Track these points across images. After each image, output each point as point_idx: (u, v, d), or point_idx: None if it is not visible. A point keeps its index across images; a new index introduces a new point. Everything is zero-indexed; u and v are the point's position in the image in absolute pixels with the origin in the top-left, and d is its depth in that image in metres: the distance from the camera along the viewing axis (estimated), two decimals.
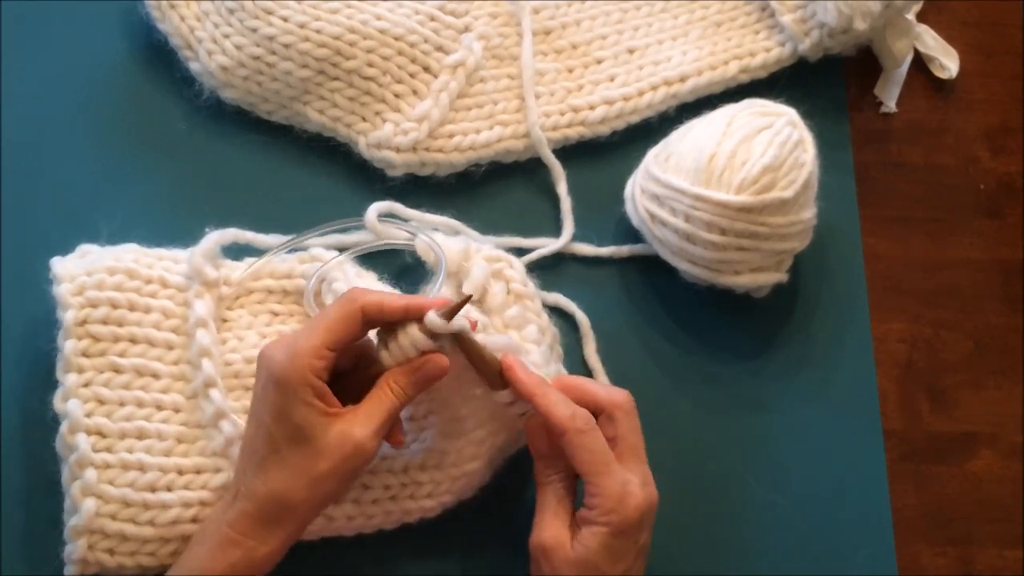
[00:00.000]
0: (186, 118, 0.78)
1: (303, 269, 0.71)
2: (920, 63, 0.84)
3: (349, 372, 0.63)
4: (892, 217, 0.80)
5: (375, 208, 0.72)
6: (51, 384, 0.67)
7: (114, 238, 0.73)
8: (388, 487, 0.67)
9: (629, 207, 0.74)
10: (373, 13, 0.76)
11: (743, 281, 0.72)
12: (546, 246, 0.76)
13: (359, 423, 0.60)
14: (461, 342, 0.62)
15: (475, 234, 0.74)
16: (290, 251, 0.73)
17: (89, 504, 0.63)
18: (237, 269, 0.71)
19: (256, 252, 0.72)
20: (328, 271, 0.70)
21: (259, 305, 0.72)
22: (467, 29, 0.78)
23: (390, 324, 0.62)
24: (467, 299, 0.62)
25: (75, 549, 0.63)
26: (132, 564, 0.64)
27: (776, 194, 0.69)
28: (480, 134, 0.77)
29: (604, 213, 0.77)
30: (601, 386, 0.66)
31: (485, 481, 0.68)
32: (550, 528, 0.62)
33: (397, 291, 0.70)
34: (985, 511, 0.74)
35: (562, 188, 0.77)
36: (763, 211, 0.69)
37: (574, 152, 0.79)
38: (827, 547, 0.72)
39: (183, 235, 0.73)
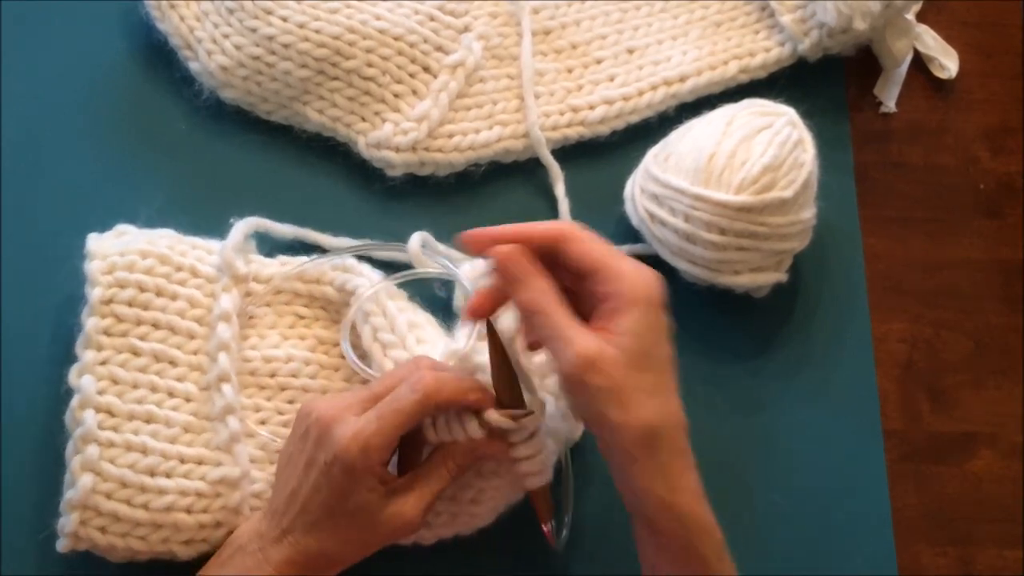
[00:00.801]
0: (186, 118, 0.78)
1: (333, 277, 0.71)
2: (920, 63, 0.84)
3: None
4: (892, 217, 0.80)
5: (418, 237, 0.71)
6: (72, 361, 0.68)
7: None
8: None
9: (629, 207, 0.74)
10: (372, 13, 0.76)
11: (743, 281, 0.72)
12: None
13: (412, 503, 0.61)
14: (497, 368, 0.62)
15: None
16: (318, 250, 0.73)
17: (86, 479, 0.63)
18: (268, 266, 0.72)
19: (278, 243, 0.73)
20: (361, 293, 0.70)
21: (285, 306, 0.72)
22: (467, 29, 0.78)
23: None
24: (529, 413, 0.62)
25: (68, 523, 0.63)
26: (123, 546, 0.64)
27: (776, 194, 0.69)
28: (479, 134, 0.77)
29: (604, 213, 0.77)
30: (539, 223, 0.60)
31: (487, 524, 0.68)
32: (581, 339, 0.55)
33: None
34: (985, 511, 0.74)
35: (560, 189, 0.77)
36: (763, 211, 0.69)
37: (574, 152, 0.79)
38: (827, 547, 0.72)
39: (182, 235, 0.72)
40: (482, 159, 0.77)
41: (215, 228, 0.73)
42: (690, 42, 0.81)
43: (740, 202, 0.68)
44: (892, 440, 0.75)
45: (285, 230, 0.73)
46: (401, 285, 0.71)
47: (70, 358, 0.68)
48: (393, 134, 0.76)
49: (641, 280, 0.57)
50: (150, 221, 0.73)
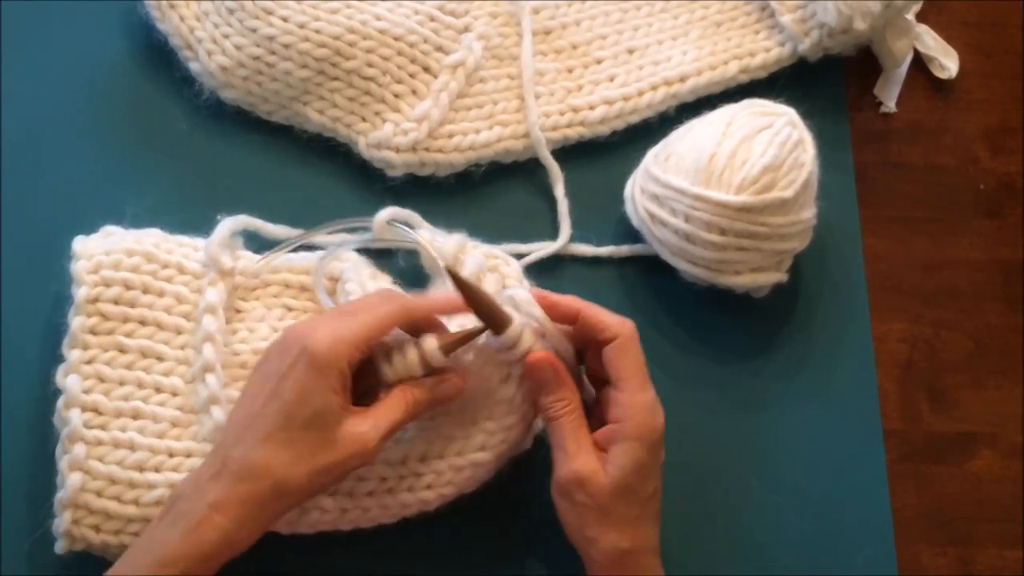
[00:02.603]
0: (186, 118, 0.78)
1: (321, 267, 0.71)
2: (920, 63, 0.84)
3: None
4: (892, 217, 0.80)
5: (387, 212, 0.71)
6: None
7: None
8: (385, 479, 0.66)
9: (629, 207, 0.74)
10: (373, 13, 0.76)
11: (743, 281, 0.72)
12: (543, 249, 0.75)
13: (369, 424, 0.59)
14: (467, 292, 0.62)
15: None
16: (306, 247, 0.73)
17: (75, 478, 0.64)
18: (256, 261, 0.72)
19: (268, 241, 0.72)
20: (342, 270, 0.70)
21: (274, 299, 0.72)
22: (467, 29, 0.78)
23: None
24: (481, 330, 0.63)
25: (61, 523, 0.63)
26: (116, 543, 0.64)
27: (776, 194, 0.69)
28: (480, 134, 0.77)
29: (604, 213, 0.77)
30: (608, 313, 0.64)
31: (489, 477, 0.68)
32: (579, 458, 0.61)
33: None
34: (985, 511, 0.74)
35: (559, 190, 0.77)
36: (763, 211, 0.69)
37: (574, 152, 0.79)
38: (827, 547, 0.72)
39: (183, 235, 0.72)
40: (482, 159, 0.77)
41: (214, 228, 0.72)
42: (690, 42, 0.81)
43: (740, 202, 0.68)
44: (892, 440, 0.75)
45: (273, 229, 0.72)
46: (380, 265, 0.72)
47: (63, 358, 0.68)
48: (393, 134, 0.76)
49: (646, 417, 0.62)
50: (139, 220, 0.73)
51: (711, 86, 0.80)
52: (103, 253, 0.69)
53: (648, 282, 0.76)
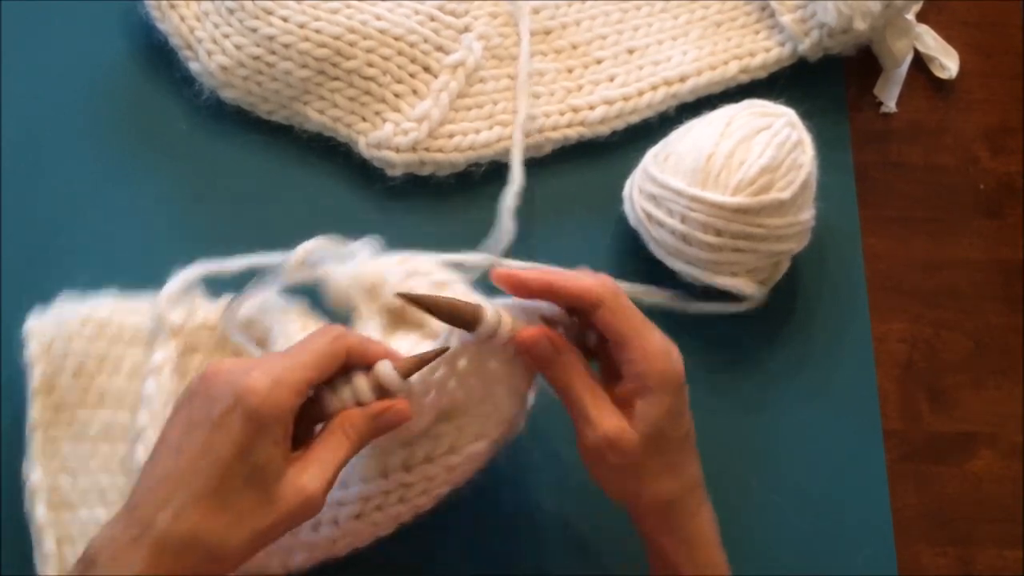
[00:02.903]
0: (186, 118, 0.78)
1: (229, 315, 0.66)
2: (920, 63, 0.84)
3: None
4: (892, 217, 0.80)
5: (301, 251, 0.64)
6: None
7: (113, 239, 0.73)
8: (369, 498, 0.61)
9: (627, 206, 0.74)
10: (373, 13, 0.76)
11: (739, 283, 0.72)
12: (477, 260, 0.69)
13: (311, 473, 0.53)
14: (422, 303, 0.57)
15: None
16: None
17: (49, 568, 0.63)
18: (214, 310, 0.68)
19: (231, 281, 0.69)
20: (270, 316, 0.66)
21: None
22: (467, 29, 0.78)
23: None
24: (442, 351, 0.58)
25: None
26: None
27: (773, 195, 0.69)
28: (480, 134, 0.77)
29: (604, 213, 0.77)
30: (581, 276, 0.59)
31: (484, 464, 0.63)
32: (604, 420, 0.58)
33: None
34: (985, 511, 0.74)
35: (510, 200, 0.71)
36: (760, 212, 0.69)
37: (574, 152, 0.79)
38: (827, 547, 0.72)
39: (183, 236, 0.73)
40: (482, 159, 0.77)
41: (214, 228, 0.73)
42: (690, 42, 0.81)
43: (737, 203, 0.68)
44: (892, 440, 0.75)
45: (234, 265, 0.67)
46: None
47: None
48: (393, 134, 0.76)
49: (664, 362, 0.58)
50: (150, 221, 0.73)
51: (711, 86, 0.80)
52: (54, 327, 0.66)
53: (648, 282, 0.76)
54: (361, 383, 0.56)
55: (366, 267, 0.62)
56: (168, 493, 0.50)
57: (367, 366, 0.56)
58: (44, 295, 0.72)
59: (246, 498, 0.51)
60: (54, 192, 0.76)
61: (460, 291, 0.61)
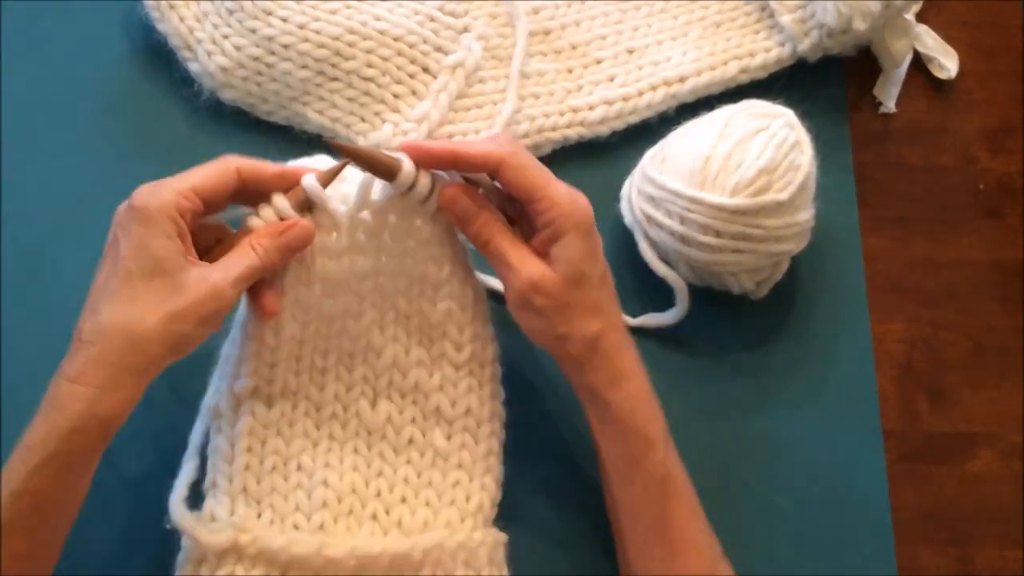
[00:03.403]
0: (186, 118, 0.78)
1: None
2: (920, 63, 0.84)
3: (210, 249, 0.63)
4: (892, 217, 0.80)
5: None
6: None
7: None
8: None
9: (624, 206, 0.74)
10: (372, 14, 0.76)
11: (737, 283, 0.72)
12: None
13: (220, 272, 0.59)
14: (347, 152, 0.62)
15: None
16: None
17: None
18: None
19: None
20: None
21: None
22: (466, 30, 0.78)
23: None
24: (345, 164, 0.63)
25: None
26: None
27: (772, 196, 0.69)
28: (480, 134, 0.77)
29: (603, 213, 0.77)
30: (481, 142, 0.63)
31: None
32: (525, 265, 0.62)
33: None
34: (985, 511, 0.74)
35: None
36: (758, 213, 0.69)
37: (574, 152, 0.79)
38: (827, 547, 0.72)
39: None
40: None
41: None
42: (690, 42, 0.81)
43: (735, 205, 0.68)
44: (891, 440, 0.75)
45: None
46: None
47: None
48: (393, 135, 0.76)
49: (571, 208, 0.61)
50: None
51: (711, 86, 0.80)
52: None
53: (648, 282, 0.76)
54: (279, 200, 0.62)
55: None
56: (91, 302, 0.58)
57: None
58: (44, 295, 0.73)
59: (152, 286, 0.57)
60: (54, 192, 0.76)
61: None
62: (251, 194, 0.63)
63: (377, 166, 0.62)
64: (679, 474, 0.64)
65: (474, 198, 0.63)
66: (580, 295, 0.62)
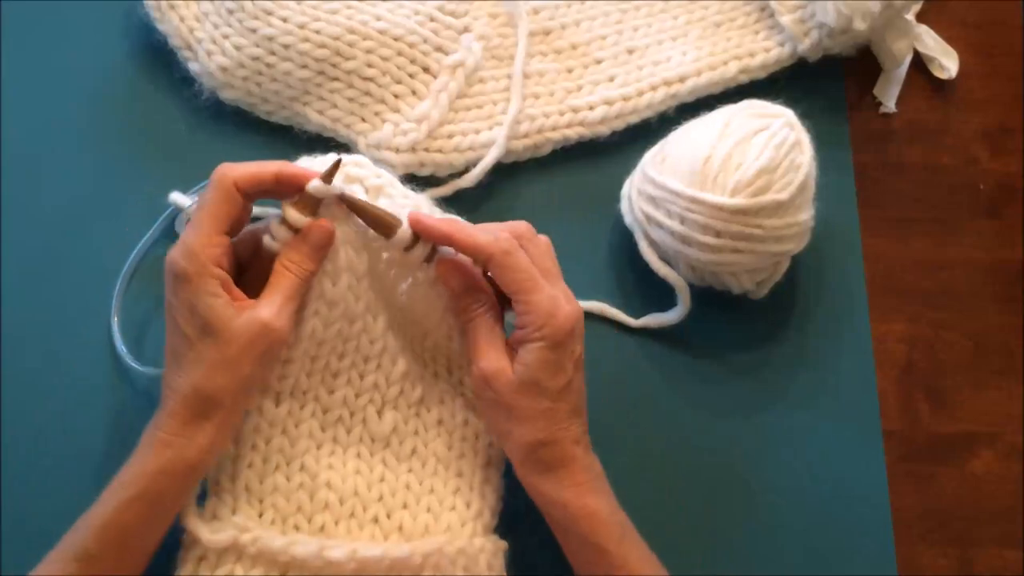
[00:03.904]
0: (186, 118, 0.78)
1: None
2: (920, 63, 0.84)
3: (250, 265, 0.64)
4: (892, 217, 0.80)
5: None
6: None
7: (113, 239, 0.74)
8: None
9: (624, 206, 0.74)
10: (372, 14, 0.76)
11: (737, 283, 0.72)
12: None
13: (264, 305, 0.61)
14: (348, 203, 0.62)
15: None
16: None
17: None
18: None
19: None
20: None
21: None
22: (467, 29, 0.78)
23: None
24: (338, 162, 0.62)
25: None
26: None
27: (772, 196, 0.69)
28: (479, 134, 0.77)
29: (603, 213, 0.77)
30: (479, 232, 0.64)
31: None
32: (487, 356, 0.63)
33: None
34: (985, 511, 0.74)
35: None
36: (758, 213, 0.69)
37: (574, 152, 0.79)
38: (827, 547, 0.72)
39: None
40: (482, 159, 0.77)
41: None
42: (690, 42, 0.81)
43: (735, 205, 0.68)
44: (892, 441, 0.75)
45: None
46: None
47: (67, 357, 0.69)
48: (393, 135, 0.76)
49: (546, 319, 0.62)
50: (150, 221, 0.73)
51: (711, 86, 0.80)
52: None
53: (647, 281, 0.76)
54: (291, 213, 0.62)
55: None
56: (167, 367, 0.61)
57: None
58: (44, 295, 0.73)
59: (208, 346, 0.60)
60: (54, 192, 0.76)
61: (398, 191, 0.66)
62: (256, 197, 0.63)
63: (376, 222, 0.63)
64: (641, 571, 0.63)
65: (471, 274, 0.65)
66: (529, 402, 0.62)
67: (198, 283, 0.60)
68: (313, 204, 0.62)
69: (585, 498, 0.63)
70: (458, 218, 0.66)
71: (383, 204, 0.65)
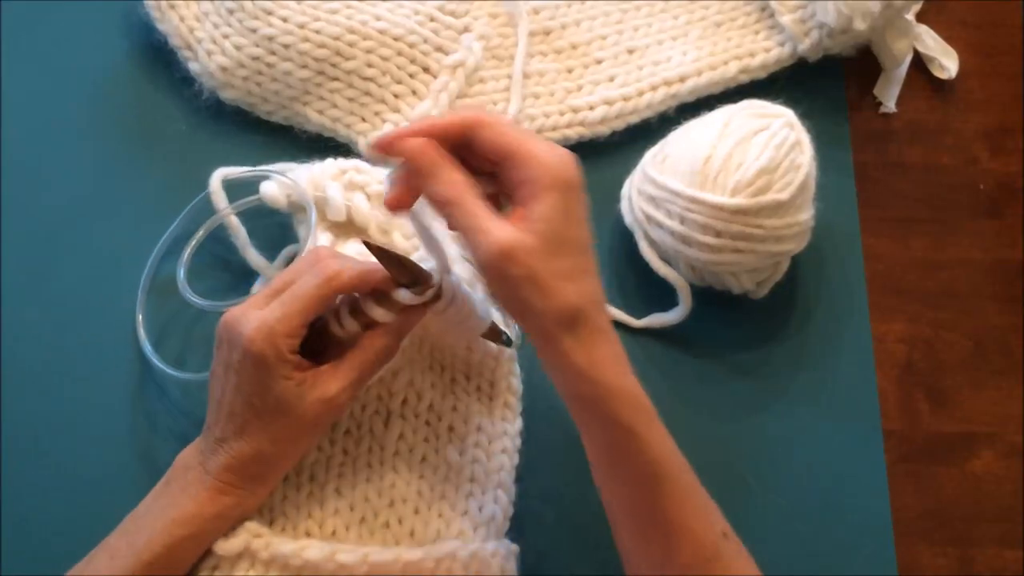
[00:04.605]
0: (186, 118, 0.78)
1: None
2: (920, 63, 0.84)
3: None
4: (892, 217, 0.80)
5: (218, 175, 0.71)
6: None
7: (113, 238, 0.74)
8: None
9: (624, 205, 0.74)
10: (373, 13, 0.76)
11: (737, 283, 0.72)
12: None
13: (334, 382, 0.60)
14: (384, 261, 0.60)
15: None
16: None
17: None
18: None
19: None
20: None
21: None
22: (467, 29, 0.78)
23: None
24: (429, 284, 0.60)
25: None
26: None
27: (772, 196, 0.69)
28: None
29: (603, 213, 0.77)
30: (453, 116, 0.58)
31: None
32: (499, 229, 0.55)
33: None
34: (985, 511, 0.74)
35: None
36: (759, 213, 0.69)
37: (574, 152, 0.78)
38: (827, 547, 0.72)
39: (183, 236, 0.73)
40: None
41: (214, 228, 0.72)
42: (690, 42, 0.81)
43: (735, 204, 0.68)
44: (892, 440, 0.75)
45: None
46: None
47: (66, 357, 0.69)
48: None
49: (554, 163, 0.56)
50: (151, 221, 0.73)
51: (711, 86, 0.80)
52: None
53: (647, 281, 0.76)
54: (377, 312, 0.61)
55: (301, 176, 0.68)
56: (226, 421, 0.61)
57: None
58: (44, 295, 0.73)
59: (278, 422, 0.60)
60: (54, 192, 0.76)
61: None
62: None
63: (412, 276, 0.60)
64: (667, 458, 0.59)
65: (443, 154, 0.57)
66: (557, 263, 0.55)
67: (275, 369, 0.59)
68: (400, 304, 0.61)
69: (620, 376, 0.57)
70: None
71: (383, 217, 0.66)
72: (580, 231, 0.57)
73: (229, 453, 0.61)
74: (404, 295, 0.60)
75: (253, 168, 0.72)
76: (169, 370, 0.70)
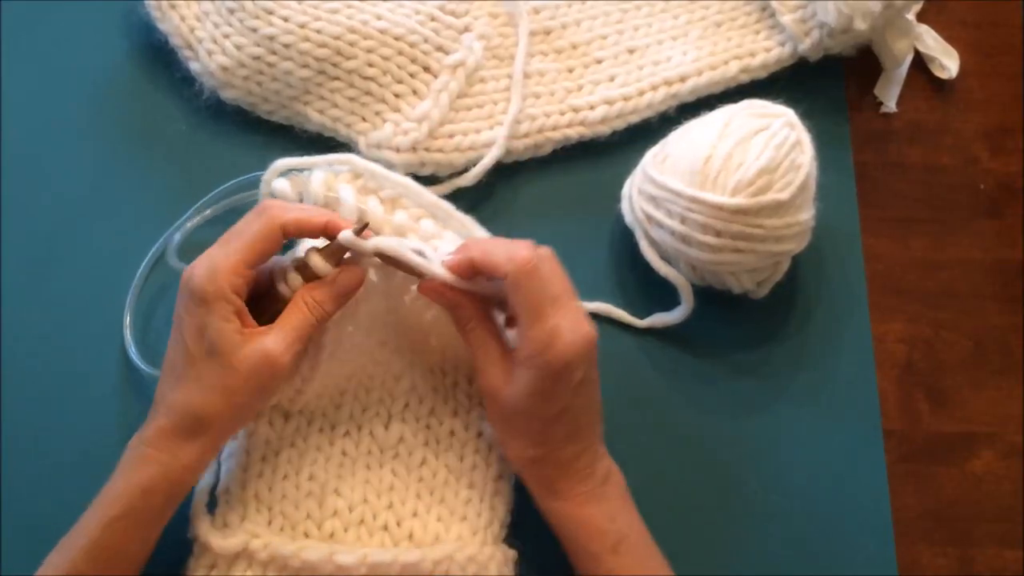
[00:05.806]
0: (186, 118, 0.78)
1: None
2: (920, 63, 0.84)
3: (264, 293, 0.64)
4: (892, 217, 0.80)
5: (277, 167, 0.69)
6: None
7: (113, 238, 0.74)
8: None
9: (625, 205, 0.74)
10: (373, 13, 0.76)
11: (737, 283, 0.72)
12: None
13: (271, 337, 0.60)
14: (384, 257, 0.62)
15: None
16: None
17: None
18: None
19: None
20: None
21: None
22: (467, 29, 0.78)
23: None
24: (366, 224, 0.62)
25: None
26: None
27: (772, 196, 0.69)
28: (480, 134, 0.77)
29: (603, 213, 0.77)
30: (499, 248, 0.62)
31: None
32: (486, 373, 0.63)
33: None
34: (985, 511, 0.74)
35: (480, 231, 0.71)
36: (759, 213, 0.69)
37: (574, 152, 0.79)
38: (827, 547, 0.72)
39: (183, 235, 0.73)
40: (482, 159, 0.77)
41: (214, 228, 0.72)
42: (690, 42, 0.81)
43: (735, 204, 0.68)
44: (892, 440, 0.75)
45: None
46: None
47: (66, 357, 0.69)
48: (393, 134, 0.76)
49: (537, 349, 0.60)
50: (151, 221, 0.73)
51: (711, 86, 0.80)
52: None
53: (647, 281, 0.76)
54: (316, 260, 0.62)
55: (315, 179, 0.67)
56: (164, 378, 0.62)
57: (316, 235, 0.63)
58: (44, 295, 0.73)
59: (210, 368, 0.60)
60: (54, 192, 0.76)
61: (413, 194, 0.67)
62: (297, 237, 0.64)
63: (410, 270, 0.62)
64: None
65: (451, 291, 0.63)
66: (523, 424, 0.63)
67: (214, 306, 0.59)
68: (340, 253, 0.62)
69: (580, 507, 0.63)
70: (471, 230, 0.66)
71: (400, 218, 0.65)
72: (552, 405, 0.62)
73: (163, 413, 0.60)
74: (345, 236, 0.61)
75: (311, 158, 0.69)
76: (153, 371, 0.70)
